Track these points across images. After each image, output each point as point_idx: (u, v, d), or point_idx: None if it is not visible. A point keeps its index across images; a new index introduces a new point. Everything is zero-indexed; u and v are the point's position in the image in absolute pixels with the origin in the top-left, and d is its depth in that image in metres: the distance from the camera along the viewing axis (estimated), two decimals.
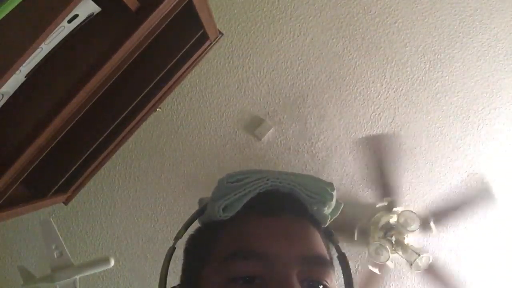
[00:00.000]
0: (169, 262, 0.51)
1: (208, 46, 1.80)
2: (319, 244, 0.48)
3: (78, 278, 1.65)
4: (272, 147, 2.20)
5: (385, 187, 2.06)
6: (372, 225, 2.16)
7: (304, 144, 2.19)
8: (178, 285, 0.50)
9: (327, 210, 0.50)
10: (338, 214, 0.53)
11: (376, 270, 2.06)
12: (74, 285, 1.65)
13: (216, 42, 1.99)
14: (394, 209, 2.11)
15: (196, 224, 0.54)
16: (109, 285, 2.34)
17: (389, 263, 2.04)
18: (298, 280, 0.42)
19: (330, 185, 0.50)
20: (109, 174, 2.17)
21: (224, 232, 0.47)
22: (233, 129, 2.17)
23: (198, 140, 2.18)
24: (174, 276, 0.52)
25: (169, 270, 0.50)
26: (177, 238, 0.53)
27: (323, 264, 0.46)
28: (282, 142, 2.19)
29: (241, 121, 2.16)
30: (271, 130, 2.16)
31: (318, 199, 0.49)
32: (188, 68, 1.95)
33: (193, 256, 0.52)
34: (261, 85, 2.12)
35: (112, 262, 1.68)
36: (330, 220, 0.51)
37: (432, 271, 2.06)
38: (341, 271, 0.51)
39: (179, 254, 0.53)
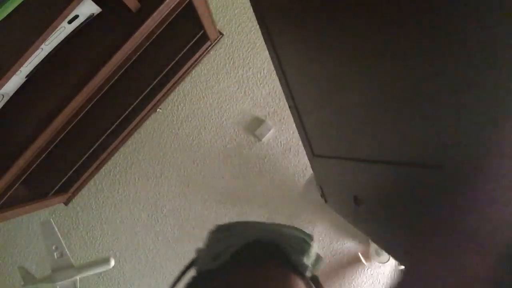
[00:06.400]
0: None
1: (209, 46, 1.81)
2: None
3: (78, 278, 1.65)
4: (272, 148, 2.20)
5: None
6: None
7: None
8: None
9: (306, 260, 0.54)
10: (321, 266, 0.57)
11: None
12: (75, 286, 1.65)
13: (216, 42, 1.99)
14: None
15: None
16: (110, 285, 2.34)
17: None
18: None
19: (309, 236, 0.55)
20: (109, 174, 2.18)
21: (214, 282, 0.51)
22: (233, 130, 2.17)
23: (199, 141, 2.18)
24: None
25: None
26: None
27: None
28: (282, 142, 2.19)
29: (242, 122, 2.16)
30: (271, 130, 2.15)
31: (296, 249, 0.53)
32: (188, 68, 1.95)
33: None
34: (262, 85, 2.12)
35: (113, 263, 1.68)
36: (311, 270, 0.55)
37: None
38: None
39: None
